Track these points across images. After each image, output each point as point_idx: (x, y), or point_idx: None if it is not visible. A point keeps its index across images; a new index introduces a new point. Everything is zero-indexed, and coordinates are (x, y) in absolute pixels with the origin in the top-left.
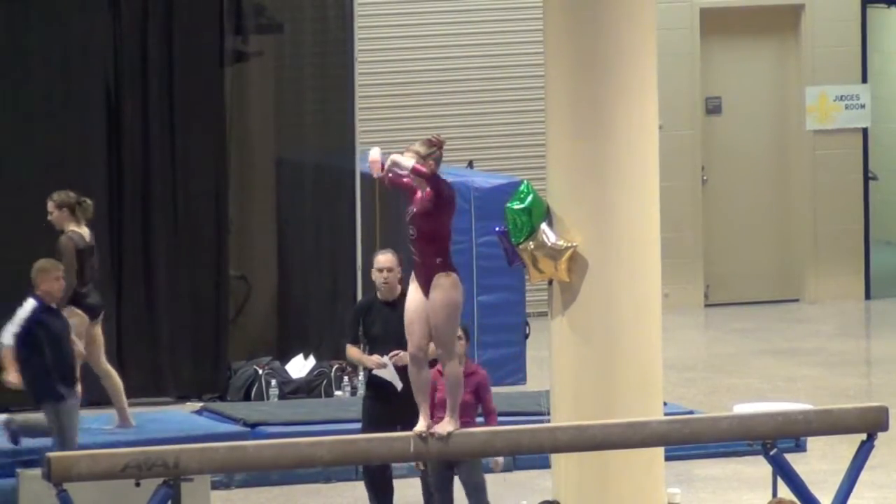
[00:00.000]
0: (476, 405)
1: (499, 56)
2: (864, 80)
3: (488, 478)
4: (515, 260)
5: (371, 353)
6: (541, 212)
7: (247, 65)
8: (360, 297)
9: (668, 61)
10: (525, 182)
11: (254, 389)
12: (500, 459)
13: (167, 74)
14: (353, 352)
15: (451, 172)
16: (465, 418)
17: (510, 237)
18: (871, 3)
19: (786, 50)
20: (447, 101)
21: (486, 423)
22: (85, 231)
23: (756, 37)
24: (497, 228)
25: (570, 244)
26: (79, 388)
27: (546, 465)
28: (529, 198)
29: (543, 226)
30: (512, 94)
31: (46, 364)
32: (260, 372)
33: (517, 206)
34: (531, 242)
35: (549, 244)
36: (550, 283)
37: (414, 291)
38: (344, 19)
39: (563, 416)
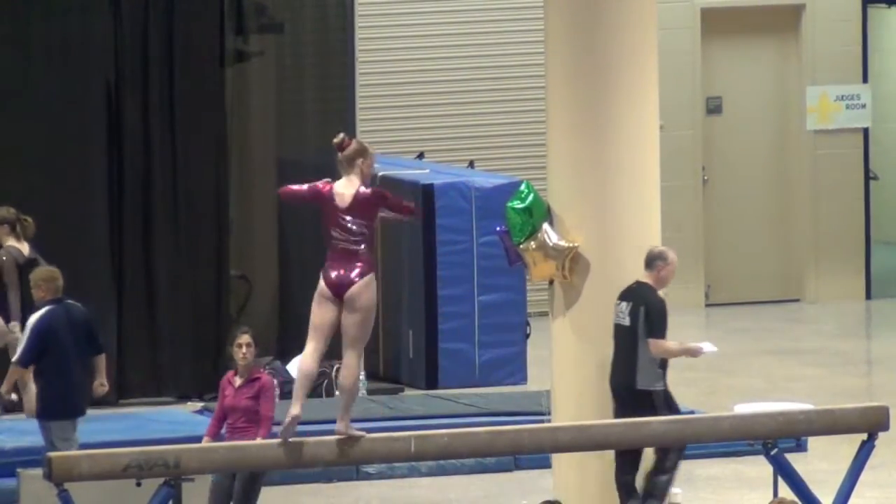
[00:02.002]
0: (256, 410)
1: (499, 56)
2: (865, 80)
3: (491, 477)
4: (517, 259)
5: None
6: (541, 212)
7: (247, 65)
8: None
9: (668, 61)
10: (526, 182)
11: None
12: None
13: (167, 74)
14: (670, 344)
15: (451, 172)
16: (246, 423)
17: (511, 237)
18: (872, 2)
19: (786, 50)
20: (447, 101)
21: (259, 430)
22: (24, 247)
23: (757, 37)
24: (498, 228)
25: (571, 244)
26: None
27: (547, 464)
28: (530, 197)
29: (545, 226)
30: (512, 94)
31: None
32: None
33: (518, 205)
34: (532, 242)
35: (551, 244)
36: (551, 283)
37: None
38: (344, 19)
39: (563, 416)
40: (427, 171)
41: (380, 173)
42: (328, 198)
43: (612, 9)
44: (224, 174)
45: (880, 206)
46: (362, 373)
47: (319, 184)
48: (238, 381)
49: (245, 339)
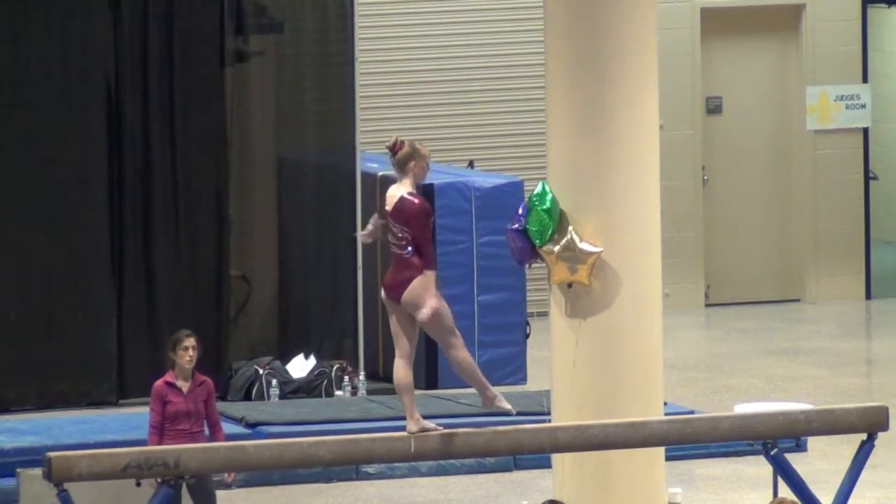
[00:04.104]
0: (205, 414)
1: (499, 56)
2: (865, 79)
3: (490, 477)
4: (525, 259)
5: None
6: (558, 213)
7: (247, 65)
8: (360, 296)
9: (668, 61)
10: (543, 182)
11: (254, 389)
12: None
13: (167, 74)
14: None
15: (451, 172)
16: (199, 428)
17: (532, 238)
18: (872, 2)
19: (786, 50)
20: (447, 101)
21: (213, 434)
22: None
23: (757, 36)
24: (510, 226)
25: (596, 249)
26: None
27: (546, 464)
28: (549, 198)
29: (570, 228)
30: (512, 94)
31: None
32: (260, 372)
33: (545, 206)
34: (556, 245)
35: (578, 248)
36: (570, 286)
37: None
38: (344, 19)
39: (563, 416)
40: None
41: (379, 173)
42: (381, 197)
43: (611, 9)
44: (224, 174)
45: (880, 205)
46: (362, 373)
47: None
48: (184, 384)
49: (191, 341)
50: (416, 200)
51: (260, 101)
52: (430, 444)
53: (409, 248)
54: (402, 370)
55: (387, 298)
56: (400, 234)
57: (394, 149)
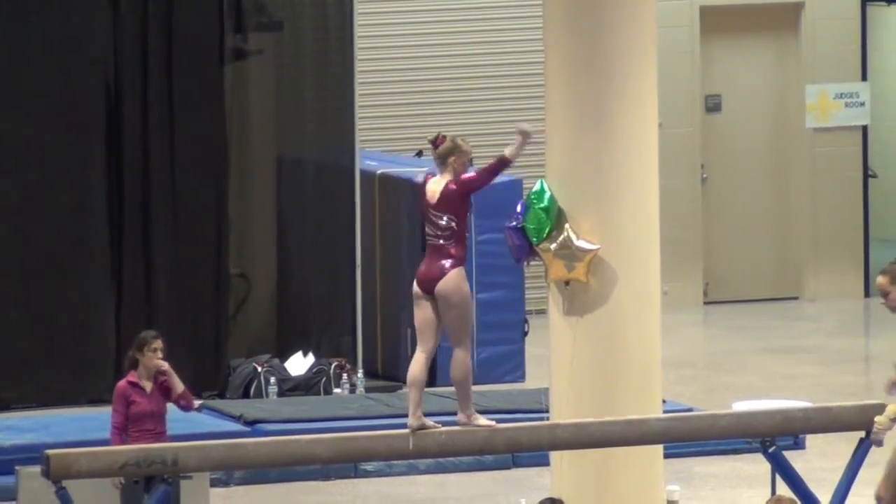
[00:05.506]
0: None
1: (499, 54)
2: (864, 77)
3: (489, 475)
4: (523, 257)
5: None
6: (556, 211)
7: (247, 63)
8: (359, 295)
9: (667, 59)
10: (542, 180)
11: (253, 387)
12: None
13: (167, 73)
14: None
15: None
16: (163, 428)
17: (529, 236)
18: (871, 0)
19: (785, 48)
20: (447, 100)
21: (186, 404)
22: None
23: (756, 35)
24: (508, 224)
25: (593, 246)
26: None
27: (545, 462)
28: (547, 196)
29: (567, 226)
30: (512, 93)
31: None
32: (259, 369)
33: (542, 205)
34: (553, 243)
35: (575, 245)
36: (567, 283)
37: None
38: (344, 17)
39: (562, 414)
40: (426, 169)
41: (378, 171)
42: (421, 194)
43: (611, 7)
44: (223, 172)
45: (879, 203)
46: (360, 371)
47: (422, 177)
48: (147, 384)
49: (160, 343)
50: (457, 183)
51: (259, 100)
52: (428, 441)
53: (452, 240)
54: (418, 365)
55: (421, 291)
56: (445, 223)
57: (436, 143)
